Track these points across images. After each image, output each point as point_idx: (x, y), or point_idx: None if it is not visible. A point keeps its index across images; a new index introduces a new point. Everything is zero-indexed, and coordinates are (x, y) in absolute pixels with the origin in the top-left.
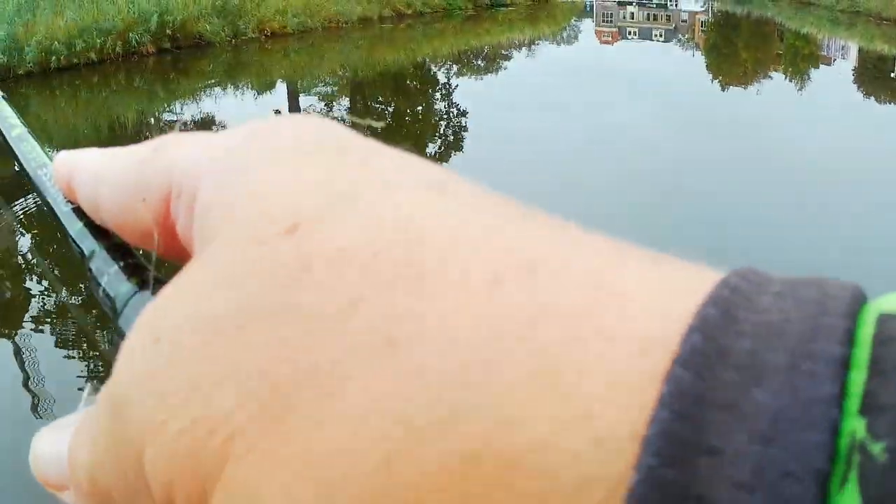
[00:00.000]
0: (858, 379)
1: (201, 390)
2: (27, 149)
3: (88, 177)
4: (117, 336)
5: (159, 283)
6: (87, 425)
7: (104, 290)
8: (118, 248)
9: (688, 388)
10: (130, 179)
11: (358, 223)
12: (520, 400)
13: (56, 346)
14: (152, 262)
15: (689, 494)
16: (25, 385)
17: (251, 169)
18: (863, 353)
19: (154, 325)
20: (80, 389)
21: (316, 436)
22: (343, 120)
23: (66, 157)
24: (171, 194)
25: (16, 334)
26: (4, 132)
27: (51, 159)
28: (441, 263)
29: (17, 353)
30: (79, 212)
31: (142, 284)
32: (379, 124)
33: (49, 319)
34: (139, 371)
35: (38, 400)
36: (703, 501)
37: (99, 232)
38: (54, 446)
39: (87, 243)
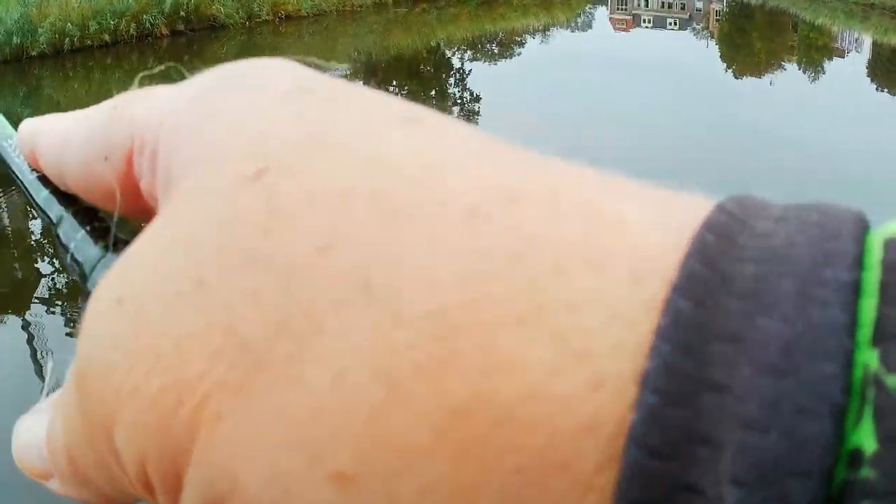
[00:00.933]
0: (869, 306)
1: (166, 354)
2: None
3: (52, 142)
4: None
5: (125, 243)
6: (60, 403)
7: (72, 255)
8: (85, 212)
9: (688, 318)
10: (93, 139)
11: (327, 164)
12: (508, 344)
13: (66, 325)
14: (114, 223)
15: (694, 435)
16: (36, 371)
17: (213, 115)
18: (872, 279)
19: (116, 287)
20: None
21: (293, 395)
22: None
23: (29, 124)
24: (133, 150)
25: (25, 312)
26: None
27: (16, 129)
28: (416, 199)
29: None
30: (44, 180)
31: (110, 247)
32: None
33: (59, 300)
34: (102, 338)
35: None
36: (710, 443)
37: (65, 198)
38: (33, 431)
39: (55, 210)
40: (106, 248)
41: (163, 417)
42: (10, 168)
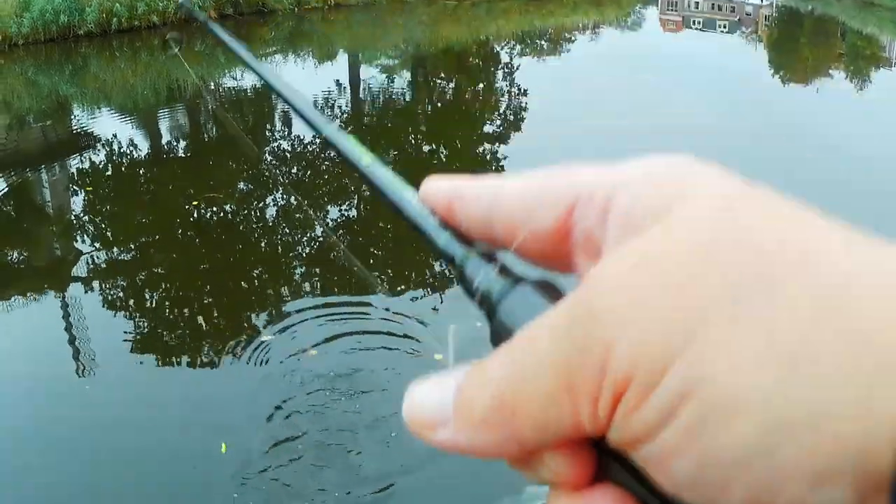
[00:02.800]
0: None
1: (672, 295)
2: (385, 176)
3: (482, 195)
4: (498, 328)
5: (517, 277)
6: (504, 355)
7: (478, 287)
8: (484, 253)
9: None
10: (531, 195)
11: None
12: None
13: (103, 306)
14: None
15: None
16: (71, 344)
17: (668, 191)
18: None
19: (636, 267)
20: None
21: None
22: None
23: (444, 186)
24: (574, 203)
25: (63, 290)
26: (358, 164)
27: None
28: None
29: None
30: (444, 225)
31: (515, 281)
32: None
33: (96, 278)
34: (618, 290)
35: (80, 354)
36: None
37: (465, 241)
38: (432, 393)
39: (457, 250)
40: (512, 280)
41: (664, 331)
42: (410, 215)
